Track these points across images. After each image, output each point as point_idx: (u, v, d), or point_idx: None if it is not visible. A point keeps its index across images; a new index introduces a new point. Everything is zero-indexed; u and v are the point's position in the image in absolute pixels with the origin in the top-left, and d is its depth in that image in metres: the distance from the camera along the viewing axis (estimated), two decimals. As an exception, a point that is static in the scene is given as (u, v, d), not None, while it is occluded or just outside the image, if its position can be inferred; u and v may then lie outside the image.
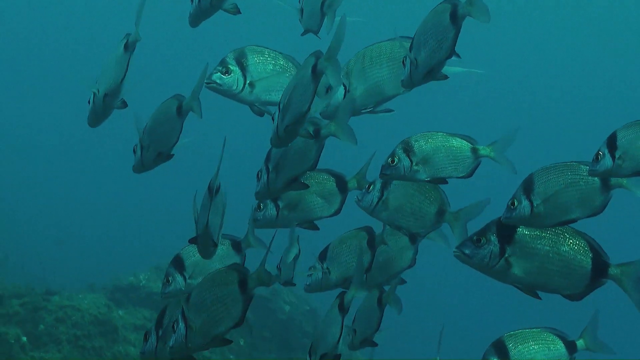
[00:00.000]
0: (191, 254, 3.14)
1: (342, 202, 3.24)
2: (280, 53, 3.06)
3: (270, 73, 3.03)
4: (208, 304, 2.70)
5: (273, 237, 2.88)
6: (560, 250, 2.71)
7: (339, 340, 2.91)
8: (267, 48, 3.07)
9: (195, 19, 3.08)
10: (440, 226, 3.20)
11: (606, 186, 2.71)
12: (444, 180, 3.04)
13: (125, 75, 3.10)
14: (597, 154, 2.64)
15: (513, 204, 2.70)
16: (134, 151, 3.09)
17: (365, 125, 3.23)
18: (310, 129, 2.90)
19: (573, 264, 2.71)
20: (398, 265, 3.34)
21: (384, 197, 3.13)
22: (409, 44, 2.74)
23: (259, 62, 3.04)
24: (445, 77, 2.79)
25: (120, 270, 8.05)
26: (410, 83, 2.76)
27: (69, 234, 13.97)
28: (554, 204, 2.70)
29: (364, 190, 3.17)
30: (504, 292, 3.24)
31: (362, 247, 3.23)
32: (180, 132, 3.05)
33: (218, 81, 3.00)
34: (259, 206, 3.17)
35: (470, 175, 3.04)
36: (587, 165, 2.70)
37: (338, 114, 2.90)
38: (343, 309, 2.92)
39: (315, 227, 3.24)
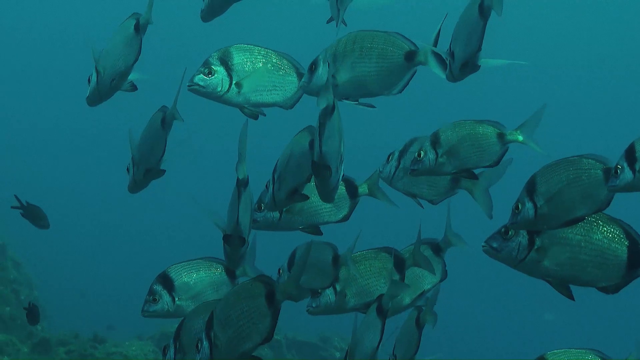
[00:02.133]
0: (181, 274, 2.98)
1: (352, 208, 3.06)
2: (274, 51, 2.89)
3: (260, 71, 2.86)
4: (234, 320, 2.53)
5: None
6: (592, 239, 2.58)
7: (378, 346, 2.75)
8: (257, 46, 2.90)
9: (209, 14, 2.92)
10: (456, 193, 3.09)
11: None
12: (471, 173, 2.93)
13: (137, 58, 2.94)
14: (616, 168, 2.48)
15: (517, 207, 2.58)
16: (127, 170, 2.98)
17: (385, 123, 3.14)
18: (306, 140, 2.77)
19: (607, 253, 2.57)
20: (428, 281, 3.17)
21: (400, 166, 3.03)
22: (403, 43, 2.69)
23: (246, 61, 2.87)
24: (477, 67, 2.71)
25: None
26: (452, 77, 2.71)
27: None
28: (558, 203, 2.57)
29: (384, 161, 3.06)
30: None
31: (388, 269, 3.01)
32: (165, 145, 2.93)
33: (201, 83, 2.83)
34: (259, 206, 2.95)
35: (496, 163, 2.90)
36: (589, 159, 2.58)
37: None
38: (382, 312, 2.75)
39: (319, 232, 3.04)
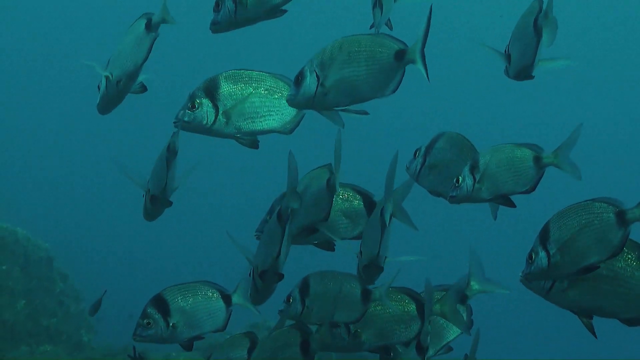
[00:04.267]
0: (177, 297, 2.86)
1: None
2: (268, 73, 2.75)
3: (249, 98, 2.72)
4: None
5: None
6: (614, 267, 2.47)
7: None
8: (248, 70, 2.76)
9: (223, 27, 2.75)
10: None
11: (622, 221, 2.46)
12: (508, 201, 2.77)
13: (146, 58, 2.84)
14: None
15: (531, 257, 2.50)
16: (144, 197, 2.94)
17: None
18: (325, 177, 2.69)
19: (630, 283, 2.46)
20: (454, 332, 2.95)
21: (426, 163, 2.90)
22: (391, 43, 2.60)
23: (234, 88, 2.74)
24: (531, 77, 2.68)
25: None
26: (507, 75, 2.71)
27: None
28: (571, 250, 2.46)
29: (412, 157, 2.92)
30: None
31: (411, 314, 2.83)
32: (167, 174, 2.84)
33: (185, 118, 2.71)
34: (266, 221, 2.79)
35: (532, 189, 2.74)
36: (601, 202, 2.47)
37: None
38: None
39: (332, 249, 2.89)
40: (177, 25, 2.87)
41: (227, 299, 2.91)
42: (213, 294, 2.90)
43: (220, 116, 2.70)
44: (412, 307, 2.83)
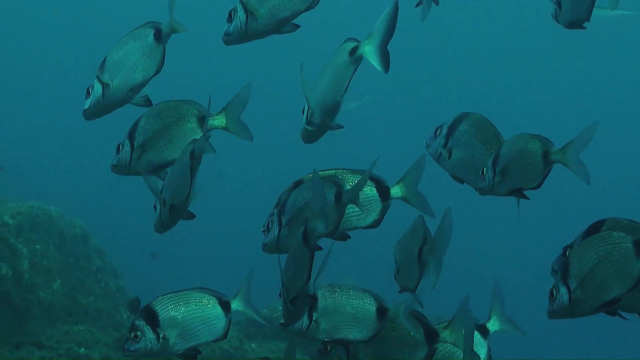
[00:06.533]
0: (167, 307, 2.70)
1: (383, 213, 2.71)
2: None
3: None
4: None
5: None
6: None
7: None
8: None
9: (234, 39, 2.74)
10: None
11: None
12: (521, 193, 2.62)
13: (159, 70, 2.81)
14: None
15: (552, 294, 2.39)
16: (155, 208, 2.76)
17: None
18: (332, 193, 2.55)
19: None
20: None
21: (448, 145, 2.73)
22: (347, 43, 2.63)
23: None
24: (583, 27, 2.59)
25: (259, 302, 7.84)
26: (556, 21, 2.61)
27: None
28: (591, 284, 2.35)
29: (432, 135, 2.76)
30: None
31: (417, 339, 2.64)
32: (191, 181, 2.67)
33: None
34: (268, 228, 2.66)
35: (538, 185, 2.60)
36: (620, 233, 2.35)
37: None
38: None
39: (344, 238, 2.71)
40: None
41: (225, 305, 2.75)
42: (209, 301, 2.73)
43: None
44: (419, 331, 2.64)
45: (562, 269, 2.39)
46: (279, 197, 2.69)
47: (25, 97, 20.34)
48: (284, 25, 2.69)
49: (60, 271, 7.02)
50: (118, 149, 2.85)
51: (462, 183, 2.78)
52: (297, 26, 2.70)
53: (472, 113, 2.74)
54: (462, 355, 2.59)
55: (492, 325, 2.67)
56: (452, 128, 2.75)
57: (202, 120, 2.79)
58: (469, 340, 2.51)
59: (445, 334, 2.62)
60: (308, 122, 2.66)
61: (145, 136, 2.80)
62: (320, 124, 2.66)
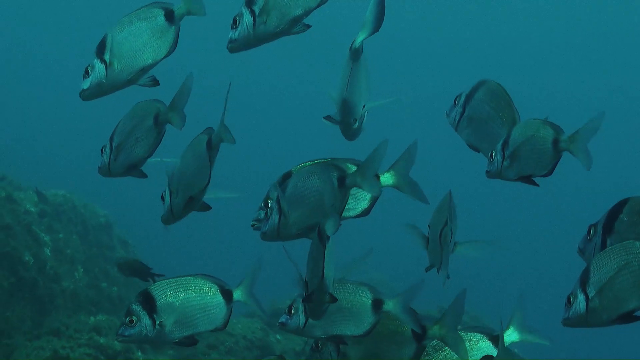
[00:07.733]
0: (166, 293, 2.63)
1: (374, 201, 2.65)
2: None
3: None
4: None
5: None
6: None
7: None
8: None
9: (241, 45, 2.65)
10: None
11: None
12: (531, 180, 2.59)
13: (170, 52, 2.74)
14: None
15: (569, 301, 2.33)
16: (162, 198, 2.69)
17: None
18: (335, 177, 2.48)
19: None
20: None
21: (465, 114, 2.70)
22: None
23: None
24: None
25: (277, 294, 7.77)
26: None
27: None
28: (609, 293, 2.28)
29: (451, 104, 2.73)
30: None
31: (405, 336, 2.60)
32: (211, 171, 2.62)
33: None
34: (266, 215, 2.57)
35: (550, 173, 2.56)
36: None
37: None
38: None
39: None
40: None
41: (227, 294, 2.68)
42: (210, 288, 2.65)
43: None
44: (407, 328, 2.59)
45: (582, 276, 2.34)
46: (268, 190, 2.61)
47: (49, 84, 20.38)
48: (295, 25, 2.59)
49: (83, 261, 6.96)
50: (102, 151, 2.85)
51: (478, 152, 2.77)
52: (308, 26, 2.59)
53: (488, 80, 2.74)
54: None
55: (510, 336, 2.62)
56: (469, 96, 2.75)
57: (156, 118, 2.79)
58: (458, 337, 2.54)
59: (435, 330, 2.57)
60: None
61: (120, 138, 2.80)
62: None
